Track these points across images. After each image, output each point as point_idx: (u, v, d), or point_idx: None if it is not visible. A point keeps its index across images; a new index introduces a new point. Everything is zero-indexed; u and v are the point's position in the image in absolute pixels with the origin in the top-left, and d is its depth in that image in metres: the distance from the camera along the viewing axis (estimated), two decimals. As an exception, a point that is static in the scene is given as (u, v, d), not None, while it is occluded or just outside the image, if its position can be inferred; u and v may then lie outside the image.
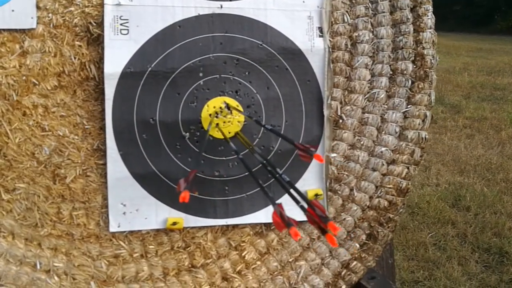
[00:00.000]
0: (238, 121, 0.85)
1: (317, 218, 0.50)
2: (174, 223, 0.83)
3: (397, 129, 0.91)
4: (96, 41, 0.82)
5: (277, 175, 0.61)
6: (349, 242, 0.92)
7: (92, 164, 0.83)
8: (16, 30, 0.79)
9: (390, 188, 0.92)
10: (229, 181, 0.86)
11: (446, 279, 2.05)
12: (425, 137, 0.92)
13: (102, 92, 0.82)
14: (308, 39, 0.86)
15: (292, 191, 0.56)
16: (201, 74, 0.83)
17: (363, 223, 0.92)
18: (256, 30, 0.85)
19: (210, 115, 0.84)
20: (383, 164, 0.91)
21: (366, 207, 0.92)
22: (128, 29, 0.81)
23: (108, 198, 0.82)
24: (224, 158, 0.85)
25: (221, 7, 0.83)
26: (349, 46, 0.89)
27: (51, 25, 0.80)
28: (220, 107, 0.84)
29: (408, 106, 0.91)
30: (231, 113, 0.84)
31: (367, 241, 0.93)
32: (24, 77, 0.80)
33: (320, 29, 0.87)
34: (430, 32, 0.91)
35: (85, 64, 0.82)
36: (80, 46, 0.81)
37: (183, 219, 0.84)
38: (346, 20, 0.89)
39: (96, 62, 0.82)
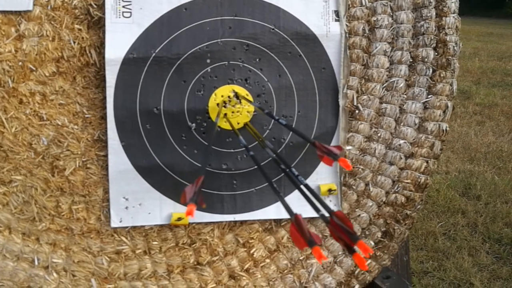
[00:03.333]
0: (248, 111, 0.79)
1: (343, 234, 0.44)
2: (179, 219, 0.78)
3: (417, 121, 0.85)
4: (97, 25, 0.76)
5: (295, 178, 0.54)
6: (363, 240, 0.87)
7: (92, 155, 0.77)
8: (11, 12, 0.74)
9: (408, 183, 0.86)
10: (238, 174, 0.80)
11: (456, 270, 2.00)
12: (445, 129, 0.86)
13: (103, 79, 0.77)
14: (324, 23, 0.80)
15: (311, 196, 0.50)
16: (208, 61, 0.77)
17: (378, 219, 0.87)
18: (267, 13, 0.78)
19: (217, 104, 0.78)
20: (401, 158, 0.85)
21: (382, 203, 0.86)
22: (130, 12, 0.75)
23: (109, 192, 0.77)
24: (232, 151, 0.80)
25: (232, -11, 0.77)
26: (366, 32, 0.83)
27: (49, 7, 0.74)
28: (229, 96, 0.78)
29: (429, 96, 0.85)
30: (240, 102, 0.78)
31: (382, 239, 0.87)
32: (20, 63, 0.74)
33: (337, 13, 0.80)
34: (453, 17, 0.84)
35: (85, 49, 0.76)
36: (80, 29, 0.76)
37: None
38: (364, 3, 0.82)
39: (97, 47, 0.76)
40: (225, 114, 0.78)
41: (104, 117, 0.77)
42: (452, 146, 3.24)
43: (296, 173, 0.57)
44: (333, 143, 0.83)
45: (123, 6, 0.74)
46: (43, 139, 0.76)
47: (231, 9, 0.77)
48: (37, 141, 0.75)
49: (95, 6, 0.75)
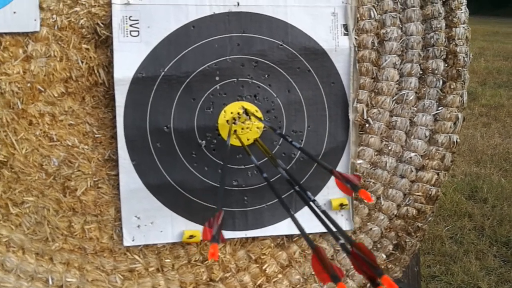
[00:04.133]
0: (257, 127, 0.78)
1: (366, 267, 0.43)
2: (191, 237, 0.77)
3: (427, 133, 0.84)
4: (105, 44, 0.75)
5: (310, 201, 0.53)
6: (375, 253, 0.86)
7: (103, 175, 0.77)
8: (18, 34, 0.73)
9: (419, 195, 0.85)
10: (248, 191, 0.80)
11: (464, 274, 1.98)
12: (456, 141, 0.85)
13: (112, 99, 0.76)
14: (332, 37, 0.79)
15: (327, 221, 0.49)
16: (217, 78, 0.76)
17: (390, 233, 0.86)
18: (275, 29, 0.77)
19: (227, 121, 0.77)
20: (412, 171, 0.84)
21: (394, 216, 0.85)
22: (138, 31, 0.74)
23: (121, 211, 0.76)
24: (242, 167, 0.79)
25: (238, 4, 0.76)
26: (376, 44, 0.82)
27: (56, 27, 0.74)
28: (238, 113, 0.77)
29: (439, 108, 0.84)
30: (249, 119, 0.77)
31: (394, 252, 0.86)
32: (28, 84, 0.74)
33: (345, 27, 0.79)
34: (463, 27, 0.83)
35: (93, 68, 0.75)
36: (87, 49, 0.75)
37: (200, 232, 0.78)
38: (373, 16, 0.81)
39: (105, 66, 0.76)
40: (235, 131, 0.77)
41: (114, 137, 0.76)
42: (458, 148, 3.20)
43: (312, 197, 0.56)
44: (343, 157, 0.82)
45: (131, 25, 0.74)
46: (54, 160, 0.75)
47: (239, 26, 0.77)
48: (47, 162, 0.75)
49: (102, 25, 0.75)
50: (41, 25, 0.73)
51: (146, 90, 0.75)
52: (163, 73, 0.75)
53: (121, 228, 0.77)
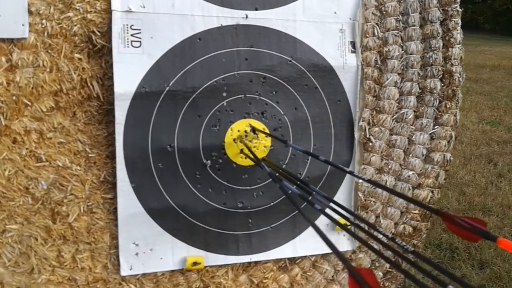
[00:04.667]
0: (265, 146, 0.74)
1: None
2: (195, 263, 0.72)
3: (424, 152, 0.84)
4: (98, 53, 0.68)
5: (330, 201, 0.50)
6: (373, 271, 0.85)
7: (98, 198, 0.69)
8: (2, 40, 0.64)
9: (415, 213, 0.85)
10: (253, 213, 0.75)
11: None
12: (449, 159, 0.86)
13: (106, 114, 0.69)
14: (340, 54, 0.77)
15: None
16: (224, 94, 0.72)
17: (387, 251, 0.85)
18: (284, 44, 0.74)
19: (234, 140, 0.72)
20: (409, 189, 0.84)
21: (391, 234, 0.85)
22: (140, 41, 0.68)
23: (118, 238, 0.70)
24: (248, 188, 0.75)
25: (246, 17, 0.72)
26: (379, 62, 0.81)
27: (45, 34, 0.65)
28: (245, 131, 0.73)
29: (435, 127, 0.85)
30: (257, 137, 0.73)
31: (390, 269, 0.86)
32: (13, 97, 0.65)
33: (353, 44, 0.77)
34: (458, 47, 0.84)
35: (86, 80, 0.68)
36: (80, 59, 0.67)
37: (204, 258, 0.73)
38: (376, 34, 0.80)
39: (100, 78, 0.68)
40: (241, 150, 0.73)
41: (109, 156, 0.69)
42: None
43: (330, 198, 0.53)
44: (347, 176, 0.80)
45: (132, 35, 0.67)
46: (42, 182, 0.67)
47: (247, 40, 0.72)
48: (35, 185, 0.66)
49: (98, 34, 0.67)
50: (28, 31, 0.65)
51: (149, 106, 0.68)
52: (167, 88, 0.69)
53: (118, 256, 0.70)
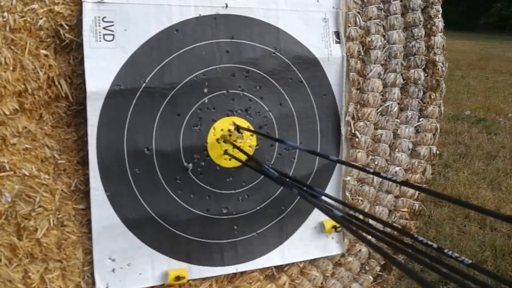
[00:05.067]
0: (250, 146, 0.79)
1: None
2: (178, 278, 0.75)
3: (410, 146, 0.92)
4: (66, 49, 0.70)
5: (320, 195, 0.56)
6: (363, 276, 0.91)
7: (69, 210, 0.71)
8: (-45, 34, 0.65)
9: (404, 211, 0.92)
10: (239, 218, 0.80)
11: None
12: (436, 153, 0.94)
13: (76, 115, 0.71)
14: (325, 45, 0.83)
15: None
16: (205, 90, 0.76)
17: (377, 253, 0.92)
18: (267, 35, 0.79)
19: (217, 140, 0.76)
20: (396, 186, 0.92)
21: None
22: (113, 34, 0.70)
23: (92, 253, 0.72)
24: (233, 192, 0.79)
25: (226, 6, 0.76)
26: (362, 53, 0.88)
27: (7, 28, 0.67)
28: (229, 130, 0.77)
29: (420, 120, 0.93)
30: (242, 136, 0.78)
31: (381, 273, 0.93)
32: (-30, 99, 0.66)
33: (337, 34, 0.84)
34: (440, 36, 0.92)
35: (53, 79, 0.70)
36: (46, 56, 0.69)
37: (186, 271, 0.76)
38: (358, 23, 0.87)
39: (68, 76, 0.70)
40: (225, 151, 0.77)
41: (81, 162, 0.71)
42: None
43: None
44: (334, 174, 0.87)
45: (104, 28, 0.70)
46: (6, 194, 0.68)
47: (227, 31, 0.77)
48: (-3, 198, 0.67)
49: (66, 27, 0.69)
50: (-14, 24, 0.66)
51: (124, 105, 0.71)
52: (144, 84, 0.72)
53: (92, 273, 0.72)
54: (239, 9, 0.77)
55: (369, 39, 0.88)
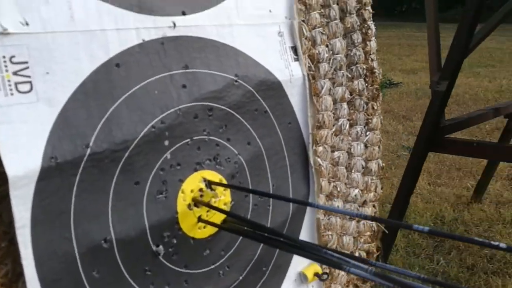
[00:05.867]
0: (225, 203, 0.58)
1: None
2: None
3: (363, 163, 0.80)
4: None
5: None
6: (340, 316, 0.77)
7: None
8: None
9: (366, 235, 0.80)
10: (222, 298, 0.59)
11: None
12: (382, 166, 0.83)
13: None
14: (285, 65, 0.65)
15: None
16: (166, 143, 0.53)
17: (348, 287, 0.79)
18: (225, 59, 0.59)
19: (189, 206, 0.55)
20: (357, 209, 0.79)
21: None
22: (30, 82, 0.44)
23: None
24: (212, 267, 0.58)
25: (174, 25, 0.54)
26: (312, 68, 0.72)
27: None
28: (200, 189, 0.56)
29: (367, 134, 0.81)
30: (215, 193, 0.57)
31: (355, 308, 0.80)
32: None
33: (294, 49, 0.66)
34: (374, 40, 0.81)
35: None
36: None
37: None
38: (305, 33, 0.70)
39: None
40: (199, 217, 0.55)
41: (14, 280, 0.44)
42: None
43: None
44: (308, 213, 0.70)
45: (15, 73, 0.43)
46: None
47: (179, 58, 0.54)
48: None
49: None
50: None
51: (65, 187, 0.45)
52: (88, 150, 0.47)
53: None
54: (190, 28, 0.55)
55: (317, 51, 0.72)
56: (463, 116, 1.66)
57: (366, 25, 0.80)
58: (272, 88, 0.63)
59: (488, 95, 4.24)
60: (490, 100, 4.07)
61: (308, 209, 0.70)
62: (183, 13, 0.55)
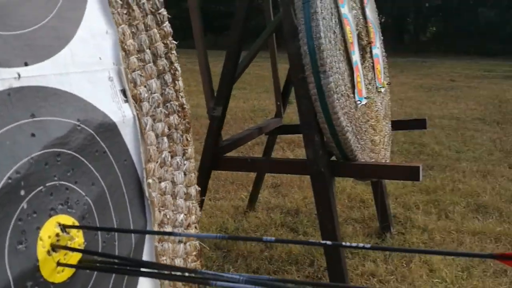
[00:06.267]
0: (79, 245, 0.59)
1: None
2: None
3: (185, 190, 0.87)
4: None
5: None
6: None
7: None
8: None
9: (193, 255, 0.87)
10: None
11: None
12: (199, 190, 0.92)
13: None
14: (117, 107, 0.68)
15: None
16: (22, 192, 0.52)
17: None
18: (66, 105, 0.60)
19: (48, 252, 0.54)
20: (183, 231, 0.86)
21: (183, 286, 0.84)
22: None
23: None
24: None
25: (19, 76, 0.54)
26: (137, 107, 0.76)
27: None
28: (57, 234, 0.56)
29: (185, 163, 0.88)
30: (70, 236, 0.57)
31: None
32: None
33: (124, 92, 0.70)
34: (181, 80, 0.89)
35: None
36: None
37: None
38: (128, 77, 0.75)
39: None
40: (58, 262, 0.55)
41: None
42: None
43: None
44: (146, 243, 0.74)
45: None
46: None
47: (26, 108, 0.54)
48: None
49: None
50: None
51: None
52: None
53: None
54: (34, 78, 0.55)
55: (138, 92, 0.77)
56: (235, 136, 1.85)
57: (173, 67, 0.87)
58: (109, 130, 0.66)
59: (245, 115, 4.69)
60: (247, 118, 4.51)
61: (147, 238, 0.74)
62: (26, 64, 0.55)
